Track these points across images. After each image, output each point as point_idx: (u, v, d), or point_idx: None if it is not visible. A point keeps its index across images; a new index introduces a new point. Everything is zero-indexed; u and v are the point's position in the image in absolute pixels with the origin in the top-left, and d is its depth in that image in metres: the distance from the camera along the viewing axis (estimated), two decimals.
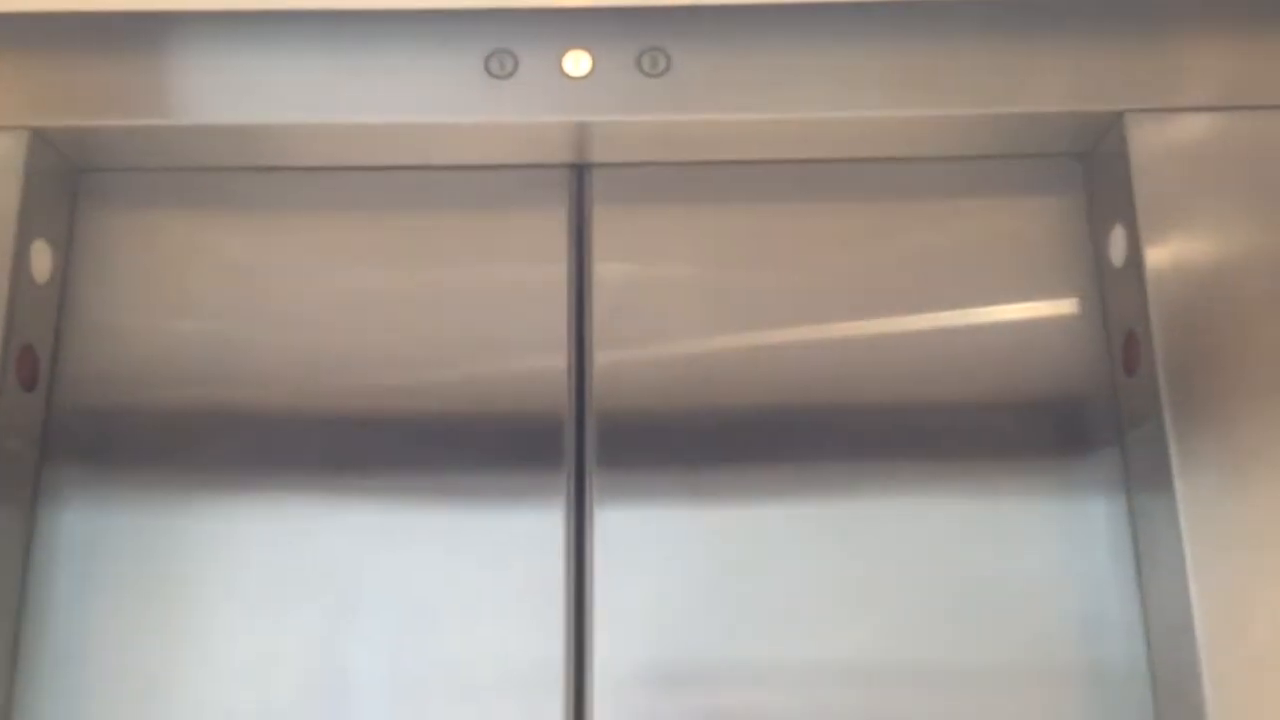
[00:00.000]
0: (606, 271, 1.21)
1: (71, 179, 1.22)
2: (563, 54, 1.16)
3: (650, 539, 1.13)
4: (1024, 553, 1.13)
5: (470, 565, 1.13)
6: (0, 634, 1.09)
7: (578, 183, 1.24)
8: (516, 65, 1.16)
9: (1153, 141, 1.13)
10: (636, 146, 1.20)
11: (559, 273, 1.21)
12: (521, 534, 1.13)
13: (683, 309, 1.20)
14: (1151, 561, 1.10)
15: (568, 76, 1.16)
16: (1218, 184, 1.12)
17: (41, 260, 1.16)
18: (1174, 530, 1.04)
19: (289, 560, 1.13)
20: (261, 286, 1.21)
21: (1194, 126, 1.13)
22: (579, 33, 1.16)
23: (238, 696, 1.09)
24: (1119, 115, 1.14)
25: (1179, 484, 1.04)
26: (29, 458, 1.14)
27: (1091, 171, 1.22)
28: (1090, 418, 1.17)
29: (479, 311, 1.20)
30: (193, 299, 1.20)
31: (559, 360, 1.18)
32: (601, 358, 1.18)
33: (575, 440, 1.16)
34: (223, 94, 1.15)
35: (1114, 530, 1.13)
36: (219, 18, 1.16)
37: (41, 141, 1.16)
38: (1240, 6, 1.14)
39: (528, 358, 1.19)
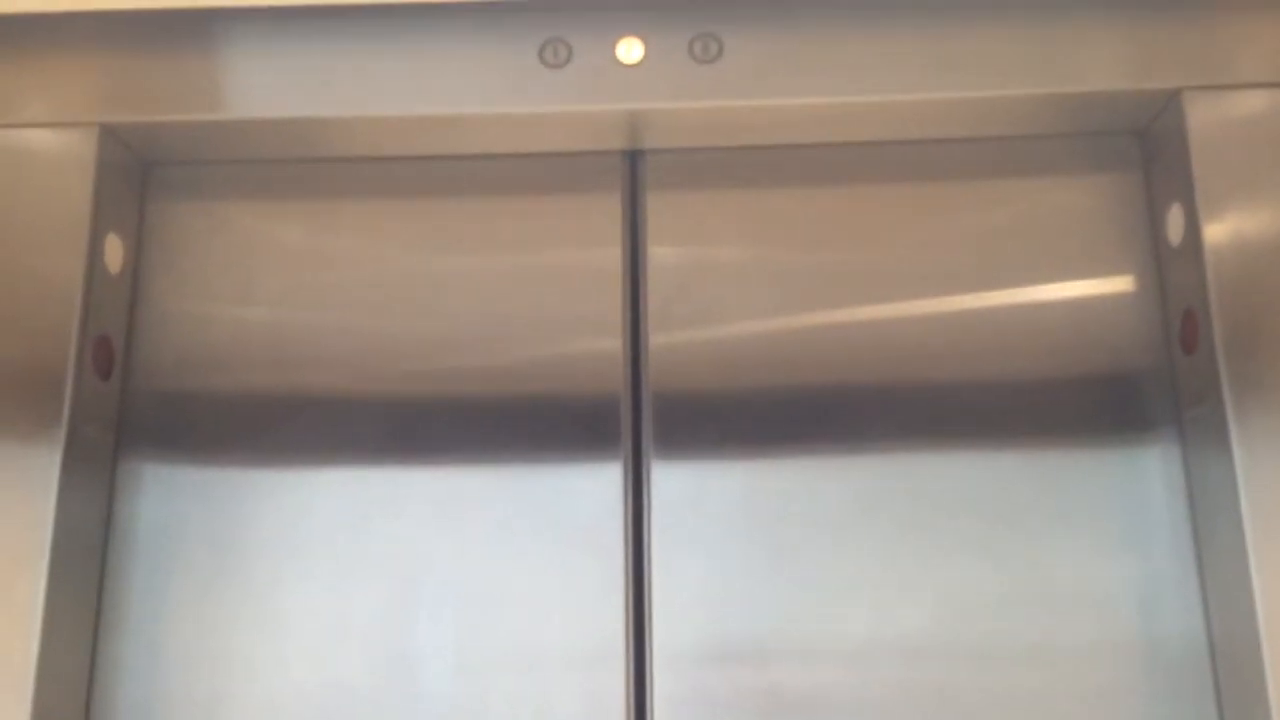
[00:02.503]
0: (660, 255, 1.22)
1: (140, 173, 1.26)
2: (615, 42, 1.17)
3: (707, 519, 1.15)
4: (1082, 530, 1.13)
5: (531, 544, 1.15)
6: (80, 616, 1.13)
7: (631, 168, 1.25)
8: (570, 54, 1.17)
9: (1210, 118, 1.12)
10: (689, 132, 1.21)
11: (613, 257, 1.22)
12: (580, 513, 1.16)
13: (736, 291, 1.21)
14: (1210, 539, 1.09)
15: (621, 64, 1.17)
16: (1276, 160, 1.10)
17: (114, 252, 1.19)
18: (1234, 508, 1.04)
19: (356, 539, 1.16)
20: (324, 273, 1.23)
21: (1251, 103, 1.12)
22: (631, 20, 1.17)
23: (308, 672, 1.13)
24: (1176, 92, 1.13)
25: (1239, 463, 1.04)
26: (106, 444, 1.18)
27: (1149, 149, 1.21)
28: (1149, 396, 1.16)
29: (535, 296, 1.22)
30: (258, 287, 1.23)
31: (614, 343, 1.20)
32: (656, 340, 1.20)
33: (632, 421, 1.18)
34: (284, 89, 1.18)
35: (1172, 507, 1.13)
36: (279, 13, 1.18)
37: (111, 137, 1.19)
38: None
39: (583, 341, 1.20)
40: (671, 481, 1.16)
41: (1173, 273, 1.16)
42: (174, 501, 1.18)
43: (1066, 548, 1.13)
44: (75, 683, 1.12)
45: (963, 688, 1.10)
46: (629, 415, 1.18)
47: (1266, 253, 1.08)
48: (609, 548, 1.15)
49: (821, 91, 1.15)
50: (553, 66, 1.17)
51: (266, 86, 1.18)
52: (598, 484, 1.16)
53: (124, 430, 1.20)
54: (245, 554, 1.16)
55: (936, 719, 1.09)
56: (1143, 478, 1.14)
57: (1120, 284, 1.19)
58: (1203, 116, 1.12)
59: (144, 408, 1.21)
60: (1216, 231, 1.09)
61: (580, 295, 1.21)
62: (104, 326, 1.17)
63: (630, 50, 1.17)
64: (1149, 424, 1.16)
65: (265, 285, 1.23)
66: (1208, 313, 1.08)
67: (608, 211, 1.23)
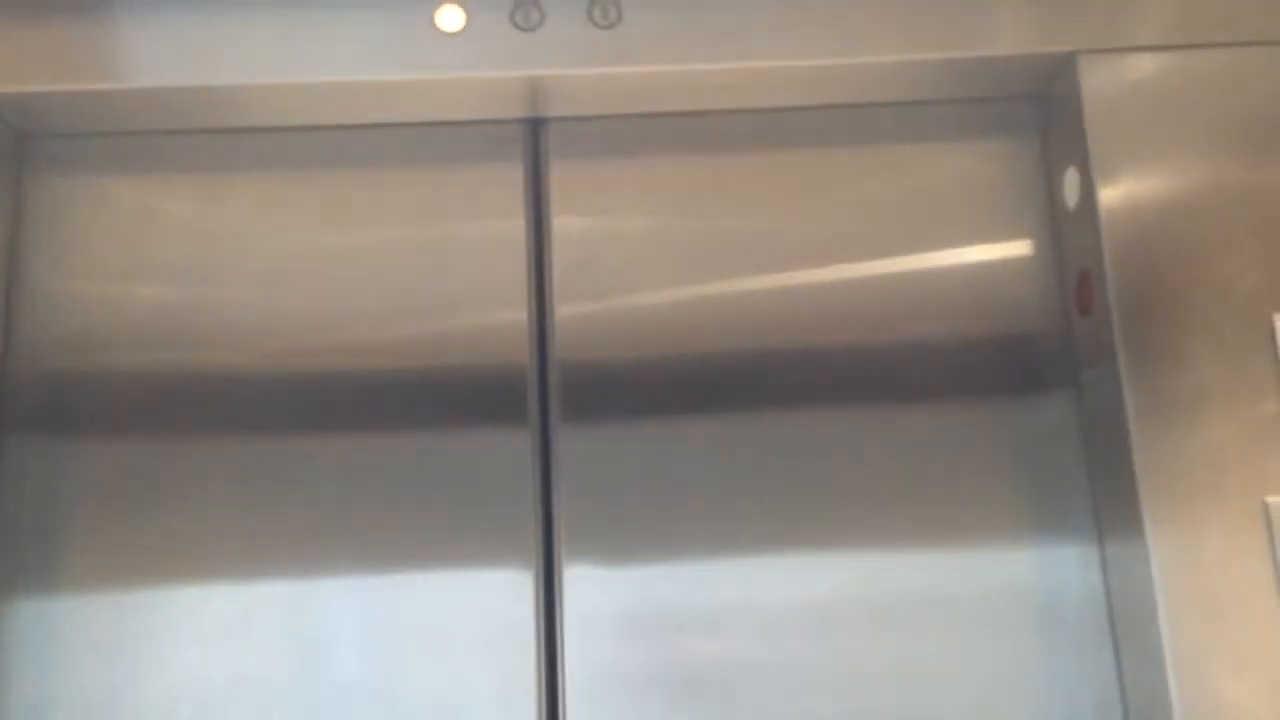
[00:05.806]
0: (564, 225, 1.20)
1: (16, 146, 1.20)
2: (513, 7, 1.14)
3: (615, 486, 1.14)
4: (983, 492, 1.15)
5: (438, 516, 1.13)
6: None
7: (533, 137, 1.23)
8: (466, 19, 1.14)
9: (1105, 82, 1.13)
10: (590, 99, 1.20)
11: (517, 227, 1.20)
12: (488, 485, 1.14)
13: (641, 260, 1.20)
14: (1107, 498, 1.12)
15: (518, 29, 1.14)
16: (1170, 123, 1.12)
17: None
18: (1128, 466, 1.06)
19: (256, 517, 1.13)
20: (215, 248, 1.19)
21: (1146, 66, 1.14)
22: None
23: (208, 660, 1.10)
24: (1071, 56, 1.15)
25: (1132, 421, 1.06)
26: None
27: (1045, 113, 1.22)
28: (1047, 357, 1.18)
29: (438, 268, 1.19)
30: (145, 263, 1.19)
31: (520, 314, 1.18)
32: (562, 310, 1.19)
33: (539, 392, 1.17)
34: (170, 57, 1.13)
35: (1071, 466, 1.15)
36: None
37: None
38: None
39: (488, 312, 1.18)
40: (579, 450, 1.15)
41: (1069, 235, 1.18)
42: (61, 483, 1.14)
43: (968, 508, 1.15)
44: None
45: (869, 649, 1.11)
46: (535, 385, 1.17)
47: (1159, 214, 1.10)
48: (518, 522, 1.13)
49: (721, 57, 1.14)
50: (449, 32, 1.14)
51: (149, 55, 1.14)
52: (505, 455, 1.15)
53: (4, 412, 1.15)
54: (138, 538, 1.12)
55: (844, 682, 1.10)
56: (1042, 437, 1.16)
57: (1019, 247, 1.21)
58: (1097, 80, 1.13)
59: (26, 389, 1.16)
60: (1111, 194, 1.11)
61: (484, 267, 1.19)
62: None
63: (528, 15, 1.14)
64: (1048, 384, 1.18)
65: (152, 261, 1.19)
66: (1103, 274, 1.10)
67: (510, 181, 1.21)
